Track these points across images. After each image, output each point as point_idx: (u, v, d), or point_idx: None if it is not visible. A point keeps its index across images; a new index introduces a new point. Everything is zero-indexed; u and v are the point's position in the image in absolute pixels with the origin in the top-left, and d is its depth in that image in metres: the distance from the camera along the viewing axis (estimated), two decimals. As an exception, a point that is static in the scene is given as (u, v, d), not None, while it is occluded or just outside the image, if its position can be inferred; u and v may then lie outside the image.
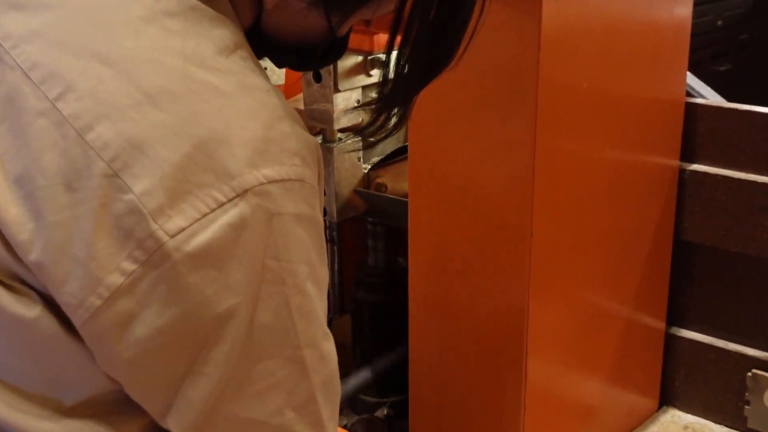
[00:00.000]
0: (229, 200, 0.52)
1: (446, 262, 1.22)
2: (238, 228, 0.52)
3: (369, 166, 1.45)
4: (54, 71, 0.53)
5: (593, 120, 1.19)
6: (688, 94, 1.39)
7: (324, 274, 0.59)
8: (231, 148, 0.52)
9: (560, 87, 1.12)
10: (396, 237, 1.51)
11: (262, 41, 0.61)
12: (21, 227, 0.52)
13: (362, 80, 1.38)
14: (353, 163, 1.42)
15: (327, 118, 1.36)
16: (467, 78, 1.12)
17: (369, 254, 1.53)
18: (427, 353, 1.28)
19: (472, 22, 0.60)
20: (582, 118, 1.17)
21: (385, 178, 1.44)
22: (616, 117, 1.24)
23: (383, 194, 1.43)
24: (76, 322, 0.53)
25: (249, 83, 0.56)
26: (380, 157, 1.48)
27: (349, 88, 1.36)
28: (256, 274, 0.54)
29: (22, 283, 0.54)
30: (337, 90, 1.34)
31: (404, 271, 1.51)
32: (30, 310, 0.54)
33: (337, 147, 1.38)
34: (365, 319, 1.50)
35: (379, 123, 0.63)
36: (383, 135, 0.64)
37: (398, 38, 0.60)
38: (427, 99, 1.16)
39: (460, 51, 0.61)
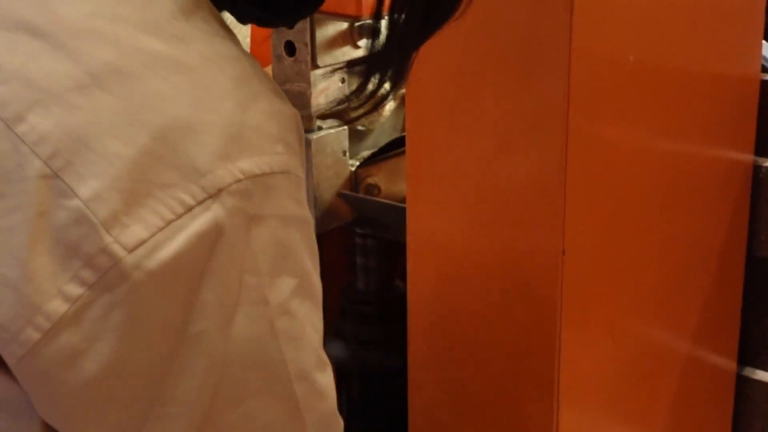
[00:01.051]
0: (199, 203, 0.52)
1: (454, 286, 1.21)
2: (211, 237, 0.53)
3: (357, 163, 1.44)
4: None
5: (642, 103, 1.18)
6: (764, 70, 1.38)
7: (318, 284, 0.60)
8: (198, 137, 0.52)
9: (599, 60, 1.10)
10: (392, 253, 1.51)
11: None
12: None
13: (347, 53, 1.36)
14: (337, 158, 1.40)
15: (303, 101, 1.34)
16: (480, 49, 1.11)
17: (358, 275, 1.52)
18: (431, 402, 1.26)
19: None
20: (627, 101, 1.16)
21: (378, 177, 1.43)
22: (671, 99, 1.22)
23: (375, 198, 1.41)
24: (8, 359, 0.53)
25: (216, 52, 0.55)
26: (371, 151, 1.46)
27: (330, 63, 1.34)
28: (232, 293, 0.54)
29: None
30: (315, 66, 1.33)
31: (403, 298, 1.50)
32: None
33: (315, 138, 1.36)
34: (355, 359, 1.48)
35: (369, 89, 0.64)
36: (373, 105, 0.65)
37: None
38: (429, 77, 1.16)
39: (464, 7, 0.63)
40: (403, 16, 0.62)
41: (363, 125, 1.44)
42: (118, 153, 0.51)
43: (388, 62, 0.64)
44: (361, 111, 0.67)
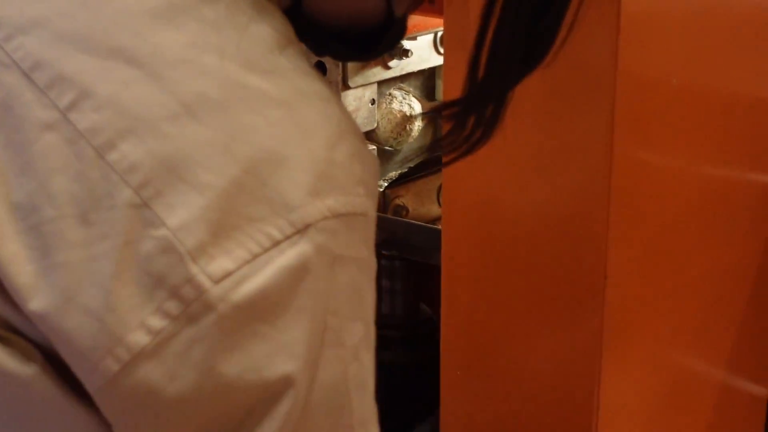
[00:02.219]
0: (287, 237, 0.51)
1: (492, 311, 1.19)
2: (297, 273, 0.52)
3: (386, 183, 1.43)
4: (64, 73, 0.52)
5: (684, 126, 1.17)
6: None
7: (374, 336, 0.59)
8: (289, 171, 0.52)
9: (643, 83, 1.09)
10: (420, 276, 1.50)
11: (301, 24, 0.61)
12: (20, 268, 0.51)
13: (378, 74, 1.37)
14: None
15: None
16: (522, 70, 1.10)
17: (383, 298, 1.51)
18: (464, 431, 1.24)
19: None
20: (670, 124, 1.15)
21: (407, 198, 1.43)
22: (715, 122, 1.22)
23: (403, 219, 1.41)
24: (89, 388, 0.52)
25: (307, 89, 0.55)
26: (400, 172, 1.46)
27: (362, 84, 1.35)
28: (318, 333, 0.53)
29: (16, 333, 0.53)
30: (346, 86, 1.33)
31: (430, 321, 1.49)
32: (25, 367, 0.53)
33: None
34: (379, 386, 1.47)
35: (467, 129, 0.63)
36: (466, 149, 0.64)
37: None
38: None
39: (562, 36, 0.62)
40: (503, 52, 0.61)
41: (391, 145, 1.44)
42: (208, 183, 0.50)
43: (487, 102, 0.63)
44: (452, 156, 0.66)
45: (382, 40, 0.65)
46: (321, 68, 1.33)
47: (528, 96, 1.10)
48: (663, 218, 1.18)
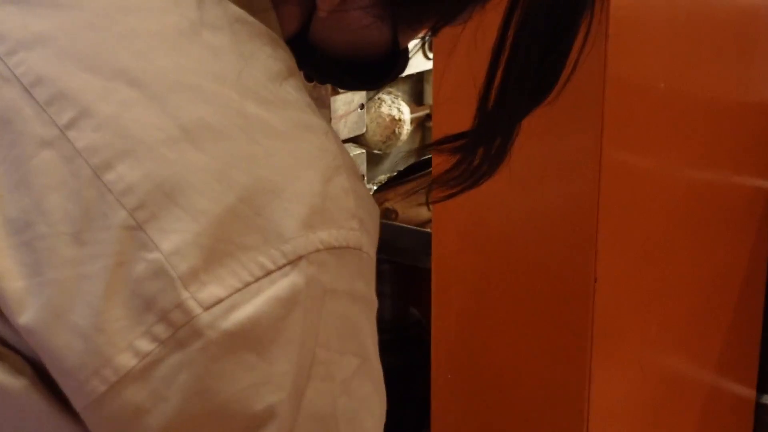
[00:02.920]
0: (279, 268, 0.51)
1: (481, 314, 1.19)
2: (288, 303, 0.51)
3: (374, 187, 1.43)
4: (65, 90, 0.52)
5: (674, 130, 1.18)
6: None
7: (379, 370, 0.59)
8: (284, 202, 0.52)
9: (632, 87, 1.10)
10: (408, 279, 1.50)
11: (304, 52, 0.61)
12: (11, 283, 0.51)
13: (367, 78, 1.36)
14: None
15: (322, 126, 1.34)
16: (511, 75, 1.11)
17: (373, 301, 1.51)
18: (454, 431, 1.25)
19: (581, 35, 0.63)
20: (658, 128, 1.16)
21: (395, 202, 1.43)
22: (702, 126, 1.22)
23: (392, 222, 1.41)
24: (75, 406, 0.52)
25: (306, 121, 0.55)
26: (388, 175, 1.46)
27: (351, 89, 1.34)
28: (305, 365, 0.53)
29: (6, 346, 0.53)
30: (336, 91, 1.34)
31: (419, 324, 1.49)
32: (14, 380, 0.52)
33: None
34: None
35: (476, 162, 0.63)
36: (473, 180, 0.65)
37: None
38: (459, 101, 1.16)
39: (567, 71, 0.63)
40: (513, 87, 0.62)
41: (380, 149, 1.44)
42: (203, 210, 0.50)
43: (495, 135, 0.63)
44: (465, 185, 0.66)
45: (386, 70, 0.65)
46: (309, 76, 1.33)
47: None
48: (652, 221, 1.18)
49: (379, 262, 1.61)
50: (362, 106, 1.38)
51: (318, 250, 0.52)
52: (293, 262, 0.51)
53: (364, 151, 1.41)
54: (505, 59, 0.61)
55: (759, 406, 1.48)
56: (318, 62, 0.63)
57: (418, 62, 1.40)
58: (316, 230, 0.52)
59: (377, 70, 0.65)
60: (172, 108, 0.52)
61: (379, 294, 1.68)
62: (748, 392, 1.47)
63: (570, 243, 1.11)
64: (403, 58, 0.65)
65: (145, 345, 0.50)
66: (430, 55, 1.37)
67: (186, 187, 0.51)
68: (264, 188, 0.51)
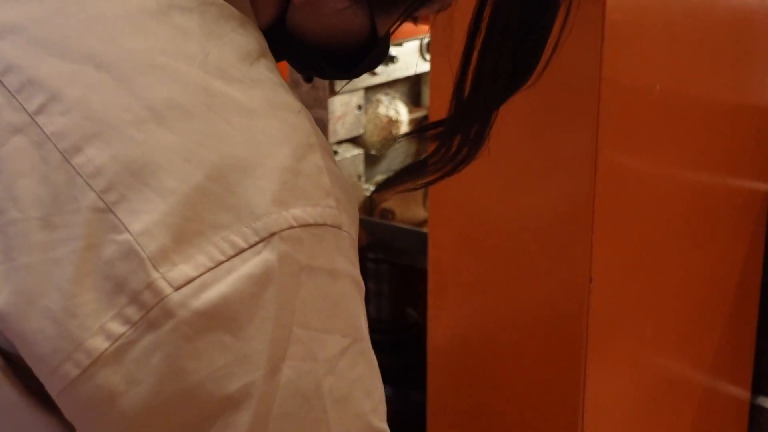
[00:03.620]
0: (251, 246, 0.50)
1: (478, 315, 1.20)
2: (260, 281, 0.51)
3: (372, 188, 1.44)
4: (34, 77, 0.52)
5: (667, 132, 1.18)
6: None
7: (371, 348, 0.57)
8: (255, 180, 0.51)
9: (628, 89, 1.10)
10: (406, 279, 1.50)
11: (283, 42, 0.61)
12: None
13: (364, 80, 1.37)
14: (352, 183, 1.40)
15: (320, 128, 1.33)
16: (508, 77, 1.11)
17: (370, 301, 1.51)
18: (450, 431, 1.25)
19: (559, 20, 0.62)
20: (653, 130, 1.16)
21: (392, 202, 1.43)
22: (696, 128, 1.22)
23: (390, 223, 1.42)
24: (50, 391, 0.52)
25: (277, 100, 0.55)
26: (386, 176, 1.46)
27: (348, 90, 1.35)
28: (281, 344, 0.52)
29: None
30: (333, 92, 1.33)
31: (416, 326, 1.50)
32: None
33: (331, 163, 1.37)
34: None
35: (453, 149, 0.63)
36: (452, 168, 0.64)
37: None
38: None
39: (547, 55, 0.62)
40: (488, 73, 0.61)
41: (377, 149, 1.45)
42: (172, 189, 0.50)
43: (472, 122, 0.63)
44: (436, 176, 0.65)
45: (365, 59, 0.65)
46: (307, 76, 1.33)
47: (514, 103, 1.11)
48: (647, 223, 1.18)
49: (377, 262, 1.61)
50: (360, 107, 1.38)
51: (291, 227, 0.51)
52: (265, 239, 0.51)
53: (361, 151, 1.41)
54: (479, 44, 0.60)
55: (753, 408, 1.48)
56: (296, 51, 0.63)
57: (416, 64, 1.40)
58: (288, 207, 0.51)
59: (357, 58, 0.64)
60: (140, 89, 0.52)
61: (377, 294, 1.68)
62: (743, 394, 1.47)
63: (565, 244, 1.11)
64: (383, 44, 0.65)
65: (117, 327, 0.50)
66: (428, 57, 1.38)
67: (155, 168, 0.50)
68: (234, 166, 0.51)
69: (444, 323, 1.23)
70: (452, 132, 0.63)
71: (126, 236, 0.50)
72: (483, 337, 1.20)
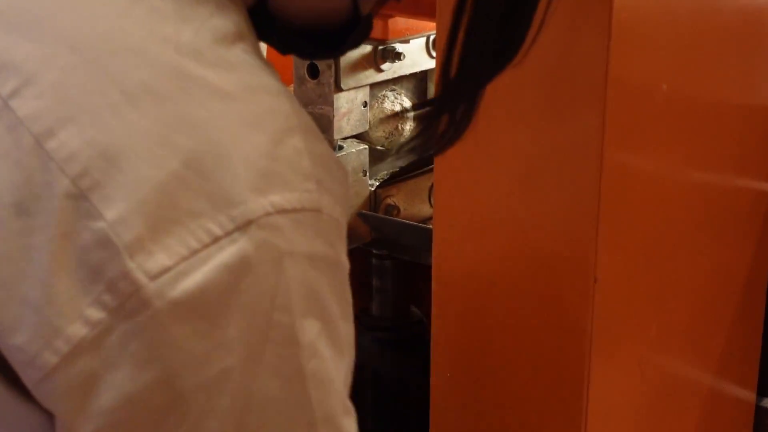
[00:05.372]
0: (227, 234, 0.51)
1: (481, 313, 1.20)
2: (237, 270, 0.51)
3: (377, 183, 1.44)
4: (9, 61, 0.52)
5: (674, 132, 1.18)
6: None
7: (347, 333, 0.58)
8: (231, 166, 0.51)
9: (635, 89, 1.10)
10: (410, 276, 1.50)
11: (266, 22, 0.61)
12: None
13: (371, 76, 1.37)
14: (357, 178, 1.40)
15: (325, 124, 1.34)
16: (514, 75, 1.10)
17: (373, 298, 1.51)
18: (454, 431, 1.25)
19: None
20: (660, 130, 1.16)
21: (397, 198, 1.43)
22: (705, 128, 1.22)
23: (394, 218, 1.42)
24: (27, 382, 0.52)
25: (255, 83, 0.55)
26: (391, 171, 1.47)
27: (354, 86, 1.35)
28: (259, 331, 0.53)
29: None
30: (339, 89, 1.33)
31: (420, 324, 1.50)
32: None
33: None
34: (367, 388, 1.47)
35: (440, 128, 0.63)
36: (440, 145, 0.64)
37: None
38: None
39: (533, 34, 0.63)
40: (474, 51, 0.61)
41: (383, 145, 1.45)
42: (147, 177, 0.50)
43: (459, 101, 0.63)
44: (430, 150, 0.65)
45: (347, 39, 0.65)
46: (314, 70, 1.34)
47: (519, 101, 1.11)
48: (653, 222, 1.18)
49: (382, 258, 1.62)
50: (365, 104, 1.38)
51: (269, 214, 0.51)
52: (242, 227, 0.51)
53: (366, 146, 1.41)
54: (465, 22, 0.60)
55: (759, 410, 1.48)
56: (279, 32, 0.63)
57: (422, 61, 1.40)
58: (266, 194, 0.52)
59: (340, 38, 0.64)
60: (114, 72, 0.52)
61: (381, 291, 1.68)
62: (748, 395, 1.46)
63: (570, 243, 1.11)
64: (365, 23, 0.65)
65: (95, 314, 0.50)
66: (434, 54, 1.38)
67: (129, 154, 0.50)
68: (209, 152, 0.51)
69: (448, 321, 1.23)
70: (440, 111, 0.63)
71: (101, 224, 0.50)
72: (486, 336, 1.20)
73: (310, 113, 1.40)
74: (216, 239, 0.51)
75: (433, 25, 1.17)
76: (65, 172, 0.50)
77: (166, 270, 0.50)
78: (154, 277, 0.50)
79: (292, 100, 0.57)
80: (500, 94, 1.12)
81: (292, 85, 1.38)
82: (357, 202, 1.42)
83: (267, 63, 0.58)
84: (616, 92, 1.06)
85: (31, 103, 0.51)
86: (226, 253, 0.51)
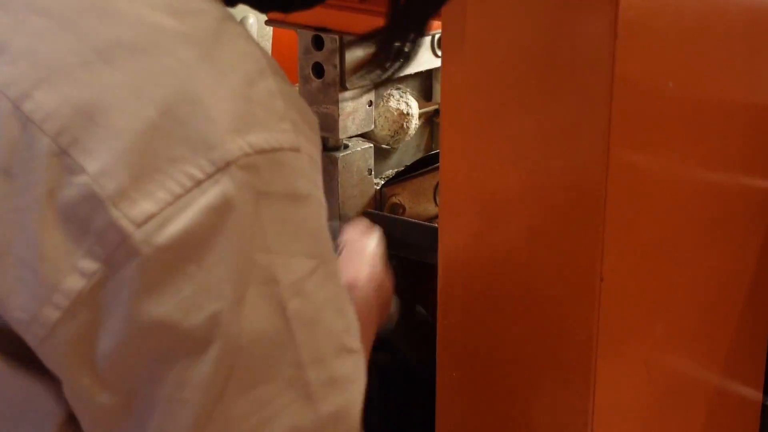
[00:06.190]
0: (209, 176, 0.52)
1: (487, 311, 1.20)
2: (221, 211, 0.52)
3: (382, 181, 1.44)
4: None
5: (681, 130, 1.18)
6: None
7: (339, 269, 0.59)
8: (207, 111, 0.52)
9: (641, 87, 1.10)
10: (416, 275, 1.50)
11: None
12: None
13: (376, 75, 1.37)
14: (363, 177, 1.40)
15: (330, 123, 1.34)
16: (520, 72, 1.11)
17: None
18: (459, 431, 1.25)
19: None
20: (667, 128, 1.16)
21: (403, 196, 1.43)
22: (710, 126, 1.22)
23: (400, 217, 1.42)
24: (32, 342, 0.53)
25: (223, 29, 0.56)
26: (396, 170, 1.47)
27: (359, 85, 1.35)
28: (243, 271, 0.54)
29: None
30: (344, 88, 1.33)
31: (426, 323, 1.49)
32: None
33: (342, 157, 1.37)
34: (373, 387, 1.47)
35: (391, 55, 0.64)
36: (393, 71, 0.65)
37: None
38: (467, 101, 1.17)
39: None
40: None
41: (388, 143, 1.45)
42: (125, 127, 0.51)
43: (408, 30, 0.64)
44: (383, 76, 0.66)
45: None
46: (318, 70, 1.34)
47: (525, 100, 1.11)
48: (659, 221, 1.18)
49: (388, 257, 1.61)
50: (370, 103, 1.38)
51: (247, 154, 0.52)
52: (222, 169, 0.52)
53: (371, 144, 1.41)
54: None
55: (765, 409, 1.47)
56: None
57: (427, 60, 1.40)
58: (243, 134, 0.52)
59: None
60: (85, 31, 0.53)
61: (387, 289, 1.62)
62: (755, 394, 1.46)
63: (576, 242, 1.11)
64: None
65: (90, 265, 0.51)
66: (439, 53, 1.37)
67: (106, 107, 0.51)
68: (184, 99, 0.52)
69: (453, 320, 1.23)
70: (390, 39, 0.64)
71: (84, 178, 0.51)
72: (492, 335, 1.20)
73: (316, 113, 1.41)
74: (198, 182, 0.52)
75: (438, 24, 1.16)
76: (45, 131, 0.51)
77: (151, 216, 0.51)
78: (140, 224, 0.51)
79: (258, 45, 0.58)
80: (506, 93, 1.12)
81: (297, 84, 1.38)
82: (362, 201, 1.42)
83: (230, 11, 0.59)
84: (623, 90, 1.06)
85: (5, 70, 0.52)
86: (209, 195, 0.52)
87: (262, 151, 0.53)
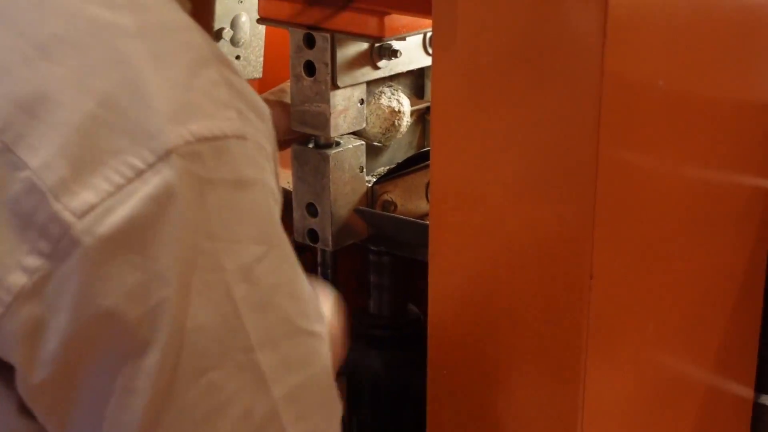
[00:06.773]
0: (150, 166, 0.52)
1: (478, 309, 1.20)
2: (162, 200, 0.52)
3: (374, 179, 1.44)
4: None
5: (671, 129, 1.18)
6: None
7: (292, 253, 0.59)
8: (147, 101, 0.53)
9: (631, 85, 1.10)
10: (407, 272, 1.50)
11: None
12: None
13: (367, 74, 1.37)
14: (354, 174, 1.40)
15: (322, 122, 1.34)
16: (508, 70, 1.10)
17: (371, 294, 1.51)
18: (450, 429, 1.25)
19: None
20: (657, 126, 1.16)
21: (395, 194, 1.43)
22: (702, 125, 1.22)
23: (392, 214, 1.42)
24: None
25: (166, 21, 0.56)
26: (388, 167, 1.47)
27: (350, 83, 1.35)
28: (189, 259, 0.54)
29: None
30: (335, 86, 1.33)
31: (417, 321, 1.50)
32: None
33: (333, 154, 1.37)
34: (364, 386, 1.47)
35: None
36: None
37: None
38: (456, 99, 1.17)
39: None
40: None
41: (379, 141, 1.45)
42: (65, 120, 0.51)
43: None
44: None
45: None
46: (310, 68, 1.34)
47: (515, 97, 1.11)
48: (649, 219, 1.18)
49: (379, 254, 1.62)
50: (362, 102, 1.38)
51: (189, 143, 0.53)
52: (163, 158, 0.52)
53: (363, 142, 1.41)
54: None
55: (757, 406, 1.48)
56: None
57: (419, 58, 1.40)
58: (184, 123, 0.53)
59: None
60: (24, 28, 0.53)
61: (378, 287, 1.68)
62: (746, 392, 1.47)
63: (566, 240, 1.11)
64: None
65: (33, 261, 0.52)
66: (431, 51, 1.37)
67: (46, 102, 0.52)
68: (125, 90, 0.52)
69: (444, 318, 1.23)
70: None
71: (27, 173, 0.51)
72: (483, 333, 1.20)
73: (307, 111, 1.41)
74: (140, 172, 0.52)
75: (429, 22, 1.16)
76: None
77: (93, 207, 0.52)
78: (81, 215, 0.52)
79: (204, 34, 0.57)
80: (497, 90, 1.12)
81: (288, 82, 1.38)
82: (354, 199, 1.42)
83: (176, 2, 0.59)
84: (613, 88, 1.06)
85: None
86: (151, 185, 0.52)
87: (204, 139, 0.53)
